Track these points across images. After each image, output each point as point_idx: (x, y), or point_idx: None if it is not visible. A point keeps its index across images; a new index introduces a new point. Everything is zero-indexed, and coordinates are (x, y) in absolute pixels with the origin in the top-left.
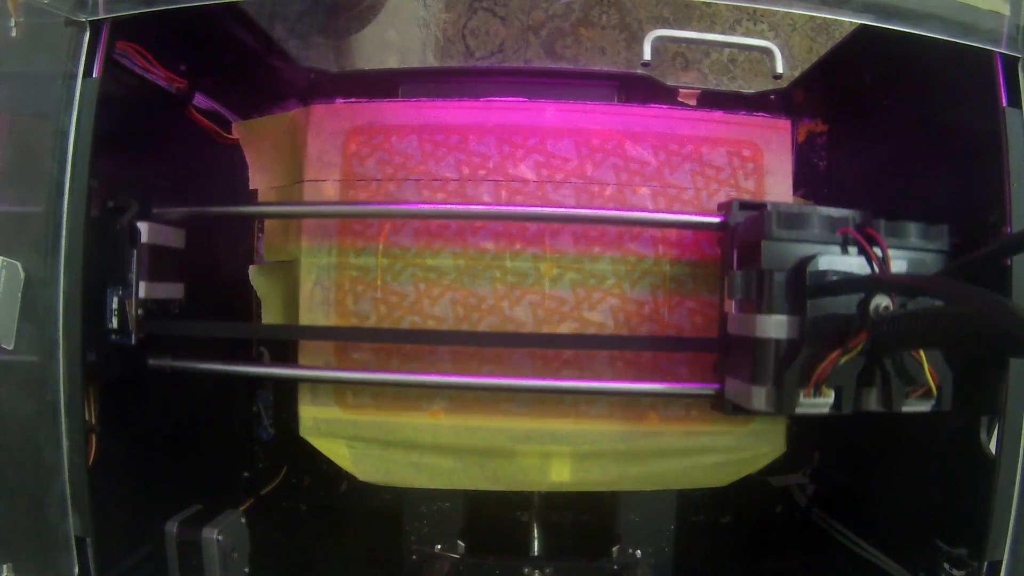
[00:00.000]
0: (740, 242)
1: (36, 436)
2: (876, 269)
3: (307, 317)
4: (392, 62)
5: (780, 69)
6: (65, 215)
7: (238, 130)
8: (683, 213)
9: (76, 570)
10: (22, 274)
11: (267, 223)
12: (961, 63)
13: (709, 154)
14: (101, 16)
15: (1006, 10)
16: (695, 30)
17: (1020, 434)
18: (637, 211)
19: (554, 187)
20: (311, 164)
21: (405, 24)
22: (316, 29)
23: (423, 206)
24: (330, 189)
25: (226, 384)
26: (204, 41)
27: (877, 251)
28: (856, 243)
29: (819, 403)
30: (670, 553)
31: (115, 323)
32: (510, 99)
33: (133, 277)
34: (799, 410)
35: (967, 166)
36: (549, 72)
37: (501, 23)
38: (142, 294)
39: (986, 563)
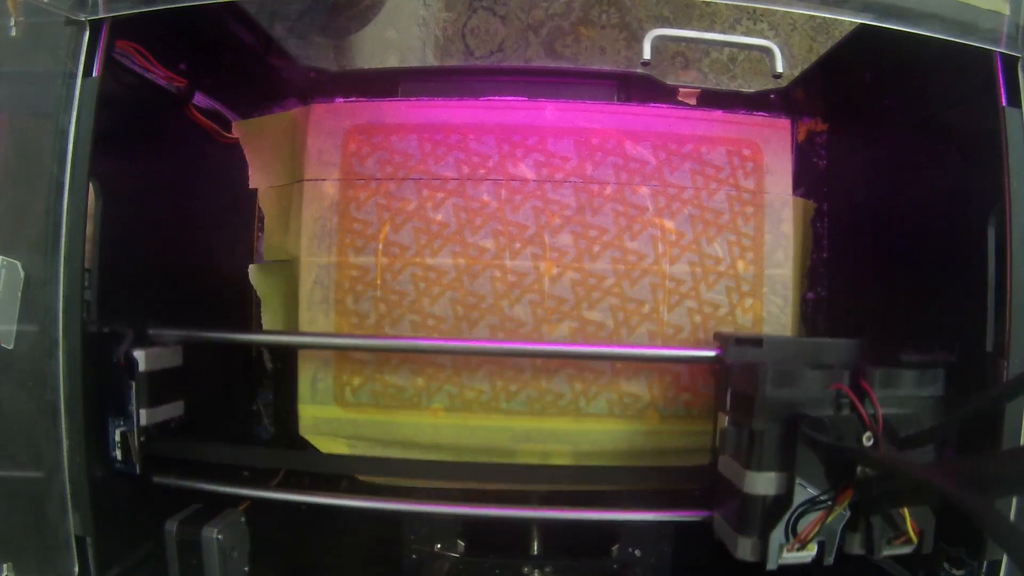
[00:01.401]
0: (734, 386)
1: (36, 434)
2: (867, 430)
3: (307, 316)
4: (392, 61)
5: (780, 68)
6: (65, 214)
7: (238, 129)
8: (679, 348)
9: (76, 569)
10: (22, 273)
11: (267, 222)
12: (961, 63)
13: (709, 153)
14: (101, 15)
15: (1006, 10)
16: (695, 29)
17: (1020, 432)
18: (633, 347)
19: (554, 186)
20: (311, 163)
21: (405, 23)
22: (316, 28)
23: (418, 341)
24: (330, 188)
25: (226, 377)
26: (204, 40)
27: (870, 407)
28: (848, 399)
29: (802, 556)
30: (669, 552)
31: (119, 455)
32: (510, 98)
33: (133, 408)
34: (781, 562)
35: (967, 166)
36: (549, 71)
37: (501, 22)
38: (143, 421)
39: (985, 563)
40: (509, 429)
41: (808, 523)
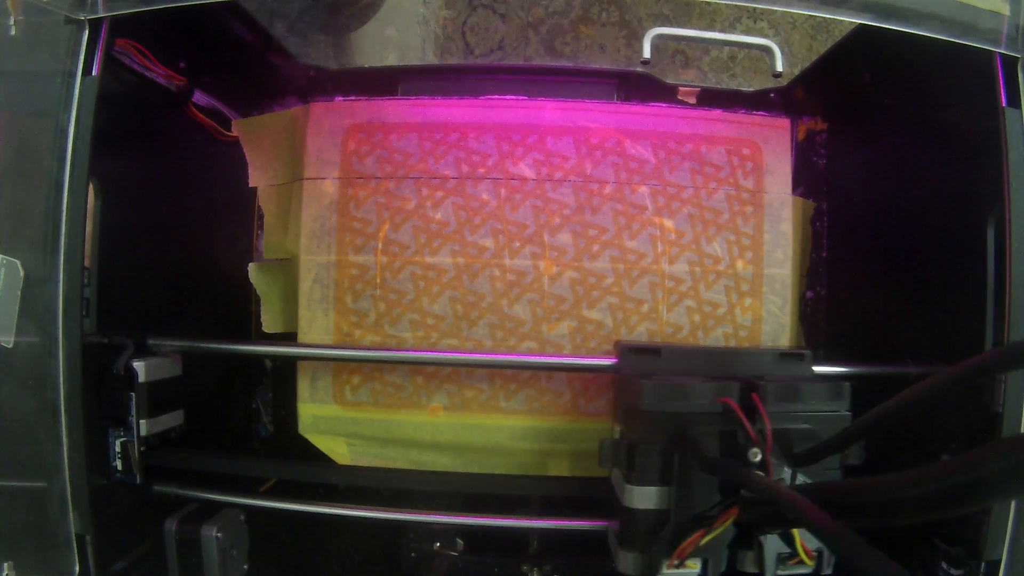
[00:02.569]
0: (623, 397)
1: (36, 434)
2: (754, 446)
3: (306, 314)
4: (392, 60)
5: (780, 67)
6: (64, 213)
7: (237, 127)
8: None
9: (76, 568)
10: (21, 272)
11: (267, 220)
12: (961, 63)
13: (708, 152)
14: (100, 14)
15: (1006, 10)
16: (695, 28)
17: (1020, 432)
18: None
19: (553, 185)
20: (310, 162)
21: (405, 21)
22: (316, 26)
23: (414, 353)
24: (329, 187)
25: (226, 381)
26: (204, 38)
27: (760, 425)
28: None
29: (684, 573)
30: None
31: (120, 465)
32: (509, 97)
33: (133, 419)
34: None
35: (966, 166)
36: (549, 70)
37: (501, 20)
38: (143, 432)
39: (984, 562)
40: (508, 428)
41: (685, 542)
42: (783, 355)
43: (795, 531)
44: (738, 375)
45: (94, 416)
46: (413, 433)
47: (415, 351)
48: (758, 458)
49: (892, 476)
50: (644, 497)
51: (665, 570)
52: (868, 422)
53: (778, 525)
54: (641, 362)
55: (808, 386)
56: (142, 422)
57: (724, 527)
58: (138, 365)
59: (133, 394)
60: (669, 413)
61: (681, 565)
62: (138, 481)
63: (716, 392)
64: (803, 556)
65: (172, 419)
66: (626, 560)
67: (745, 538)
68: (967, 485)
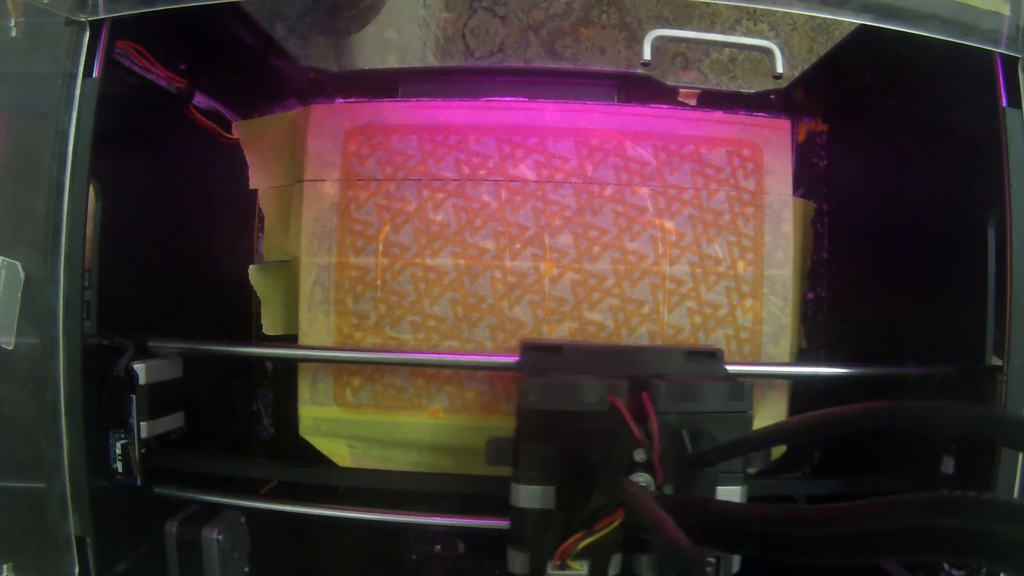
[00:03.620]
0: (519, 395)
1: (36, 435)
2: (639, 447)
3: (307, 316)
4: (392, 61)
5: (780, 69)
6: (65, 215)
7: (238, 129)
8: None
9: (76, 569)
10: (22, 274)
11: (267, 222)
12: (961, 63)
13: (709, 154)
14: (101, 16)
15: (1006, 10)
16: (695, 30)
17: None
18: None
19: (554, 187)
20: (311, 164)
21: (405, 23)
22: (316, 28)
23: (415, 355)
24: (330, 189)
25: (226, 382)
26: (204, 40)
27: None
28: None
29: (570, 575)
30: None
31: (120, 467)
32: (510, 99)
33: (134, 421)
34: None
35: (967, 166)
36: (549, 72)
37: (501, 22)
38: (144, 434)
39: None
40: (509, 430)
41: (565, 544)
42: (691, 353)
43: None
44: (641, 374)
45: (94, 418)
46: (414, 435)
47: (416, 353)
48: (642, 459)
49: (776, 507)
50: (530, 496)
51: (550, 571)
52: (774, 431)
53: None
54: (542, 360)
55: (706, 386)
56: (143, 424)
57: (607, 530)
58: (139, 367)
59: (134, 396)
60: (556, 412)
61: (565, 567)
62: (139, 483)
63: (605, 391)
64: None
65: (173, 421)
66: (514, 560)
67: (641, 542)
68: (845, 538)
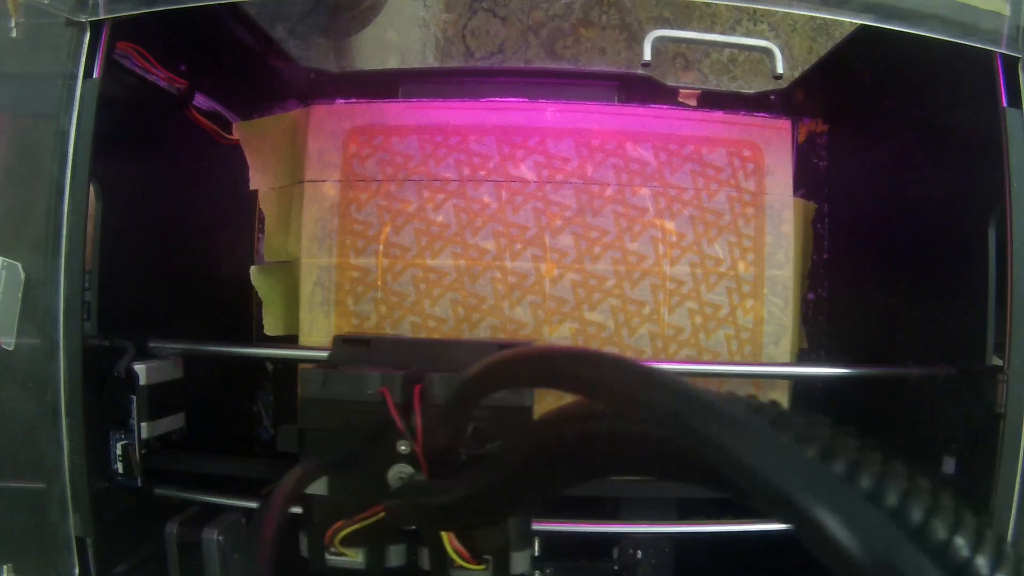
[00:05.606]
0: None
1: (36, 436)
2: (402, 439)
3: (307, 317)
4: (392, 62)
5: (780, 69)
6: (65, 215)
7: (238, 130)
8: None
9: (77, 571)
10: (22, 275)
11: (267, 223)
12: (961, 63)
13: (709, 154)
14: (101, 16)
15: (1006, 10)
16: (695, 30)
17: (1020, 435)
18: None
19: (554, 188)
20: (311, 164)
21: (405, 24)
22: (316, 29)
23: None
24: (330, 189)
25: (226, 383)
26: (205, 41)
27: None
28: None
29: (347, 561)
30: (671, 554)
31: (120, 468)
32: (510, 99)
33: (134, 422)
34: (332, 564)
35: (967, 166)
36: (549, 72)
37: (501, 23)
38: (144, 435)
39: None
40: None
41: (328, 532)
42: (504, 347)
43: (444, 533)
44: (441, 367)
45: (95, 418)
46: None
47: None
48: (405, 450)
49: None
50: (314, 483)
51: (329, 556)
52: (543, 442)
53: (426, 525)
54: (352, 353)
55: (454, 378)
56: (143, 425)
57: (368, 521)
58: (139, 368)
59: (134, 397)
60: (335, 402)
61: (337, 554)
62: (139, 484)
63: (380, 383)
64: (455, 558)
65: (173, 422)
66: (303, 542)
67: (419, 535)
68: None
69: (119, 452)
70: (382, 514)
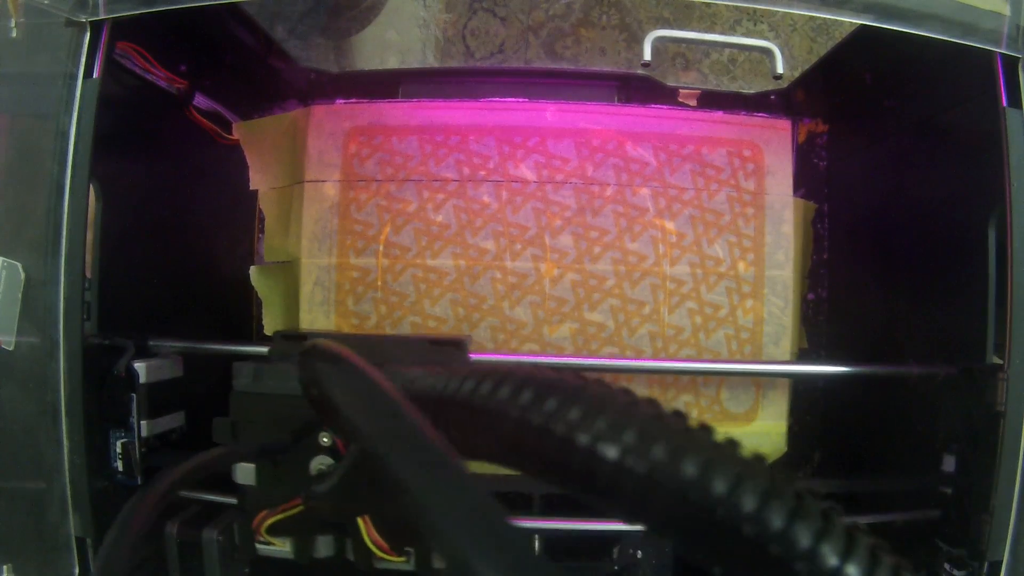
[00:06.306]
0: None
1: (36, 436)
2: (324, 432)
3: (307, 317)
4: (392, 62)
5: (780, 69)
6: (65, 216)
7: (238, 130)
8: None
9: (76, 570)
10: (22, 275)
11: (267, 223)
12: (961, 63)
13: (709, 154)
14: (101, 16)
15: (1006, 10)
16: (695, 30)
17: (1020, 434)
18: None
19: (554, 188)
20: (311, 165)
21: (405, 24)
22: (317, 29)
23: None
24: (330, 190)
25: (227, 382)
26: (205, 41)
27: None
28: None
29: (274, 550)
30: (671, 554)
31: (120, 466)
32: (510, 99)
33: (134, 420)
34: (262, 553)
35: (967, 166)
36: (549, 72)
37: (501, 24)
38: (144, 433)
39: (986, 563)
40: None
41: (254, 521)
42: (435, 343)
43: (361, 522)
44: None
45: (95, 418)
46: None
47: None
48: (327, 443)
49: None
50: (245, 473)
51: (257, 544)
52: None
53: (344, 517)
54: (289, 347)
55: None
56: (143, 423)
57: (289, 513)
58: (139, 366)
59: (134, 395)
60: (264, 395)
61: (268, 543)
62: (139, 483)
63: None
64: (374, 549)
65: (173, 420)
66: (235, 532)
67: (344, 526)
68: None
69: (119, 450)
70: (301, 506)
